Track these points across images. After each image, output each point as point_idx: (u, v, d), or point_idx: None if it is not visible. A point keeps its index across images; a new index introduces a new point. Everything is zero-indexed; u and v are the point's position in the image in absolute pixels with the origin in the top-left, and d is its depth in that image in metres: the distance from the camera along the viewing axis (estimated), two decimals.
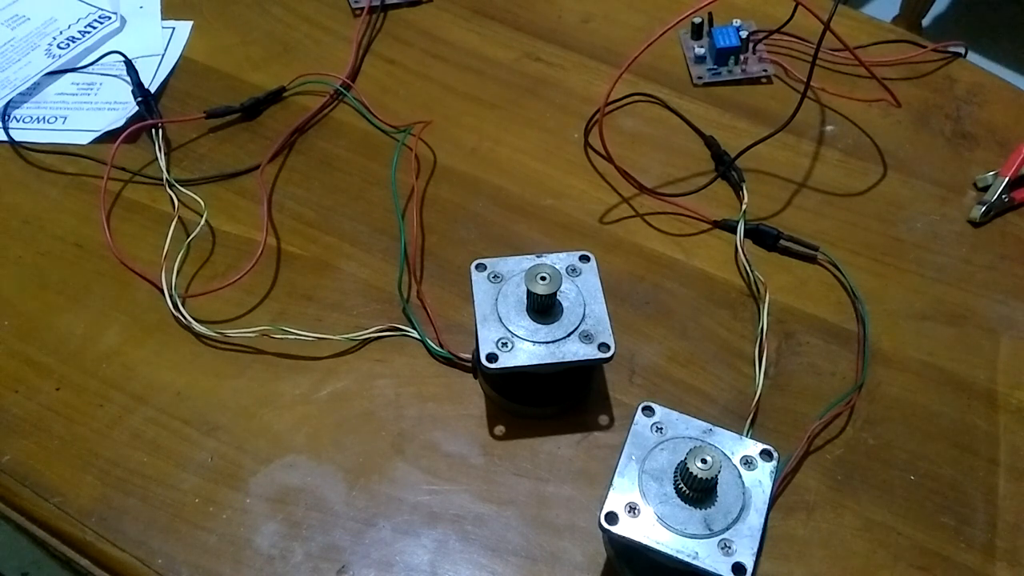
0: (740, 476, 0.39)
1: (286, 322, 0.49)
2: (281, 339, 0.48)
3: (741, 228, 0.53)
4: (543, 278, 0.42)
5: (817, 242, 0.53)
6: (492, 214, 0.55)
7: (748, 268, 0.52)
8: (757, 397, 0.47)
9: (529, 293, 0.43)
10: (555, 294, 0.43)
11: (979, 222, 0.56)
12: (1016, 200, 0.56)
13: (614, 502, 0.38)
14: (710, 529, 0.37)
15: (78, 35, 0.64)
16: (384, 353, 0.49)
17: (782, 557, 0.43)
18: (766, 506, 0.38)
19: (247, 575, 0.42)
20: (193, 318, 0.49)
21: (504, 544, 0.43)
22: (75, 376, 0.48)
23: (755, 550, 0.37)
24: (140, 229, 0.53)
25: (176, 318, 0.49)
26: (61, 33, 0.64)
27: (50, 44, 0.64)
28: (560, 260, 0.46)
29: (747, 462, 0.39)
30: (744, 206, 0.55)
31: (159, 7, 0.67)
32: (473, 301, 0.44)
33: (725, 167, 0.57)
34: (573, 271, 0.46)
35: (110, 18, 0.66)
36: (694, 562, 0.36)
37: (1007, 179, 0.56)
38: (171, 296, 0.50)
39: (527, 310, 0.44)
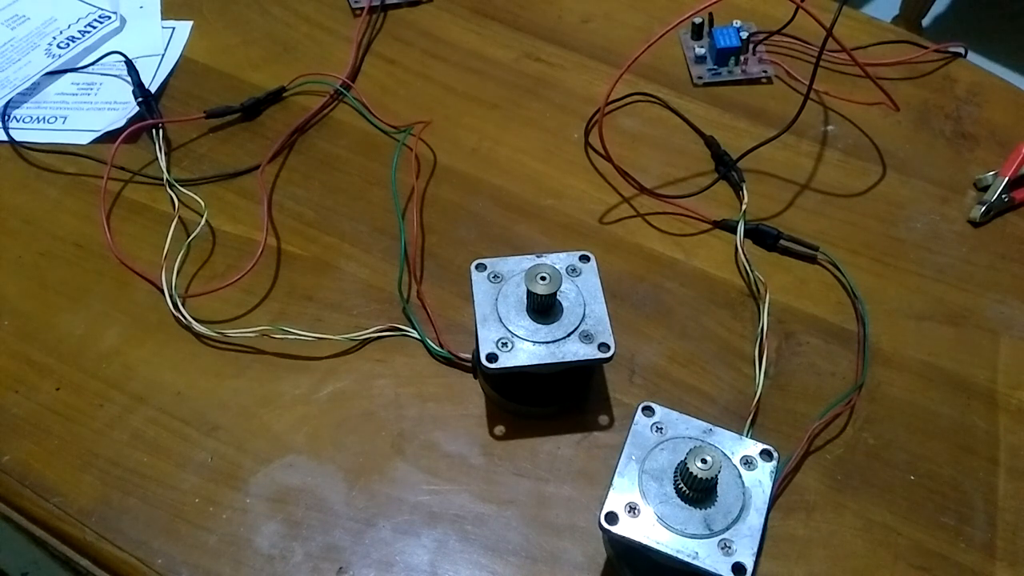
0: (740, 476, 0.39)
1: (286, 322, 0.49)
2: (281, 339, 0.48)
3: (741, 228, 0.53)
4: (543, 278, 0.42)
5: (817, 242, 0.53)
6: (492, 214, 0.55)
7: (748, 268, 0.52)
8: (757, 397, 0.47)
9: (529, 293, 0.43)
10: (555, 294, 0.43)
11: (979, 222, 0.56)
12: (1016, 200, 0.56)
13: (614, 502, 0.38)
14: (710, 529, 0.37)
15: (78, 35, 0.64)
16: (384, 353, 0.49)
17: (782, 557, 0.43)
18: (766, 506, 0.38)
19: (247, 575, 0.42)
20: (193, 318, 0.49)
21: (504, 544, 0.43)
22: (75, 376, 0.48)
23: (755, 550, 0.37)
24: (140, 229, 0.53)
25: (176, 318, 0.49)
26: (61, 33, 0.64)
27: (50, 44, 0.64)
28: (560, 260, 0.46)
29: (747, 462, 0.39)
30: (744, 206, 0.55)
31: (159, 7, 0.67)
32: (473, 301, 0.44)
33: (726, 168, 0.57)
34: (573, 271, 0.46)
35: (110, 18, 0.66)
36: (694, 562, 0.36)
37: (1007, 179, 0.56)
38: (171, 296, 0.50)
39: (527, 310, 0.44)
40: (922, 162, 0.59)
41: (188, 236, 0.53)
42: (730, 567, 0.36)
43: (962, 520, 0.44)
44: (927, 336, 0.51)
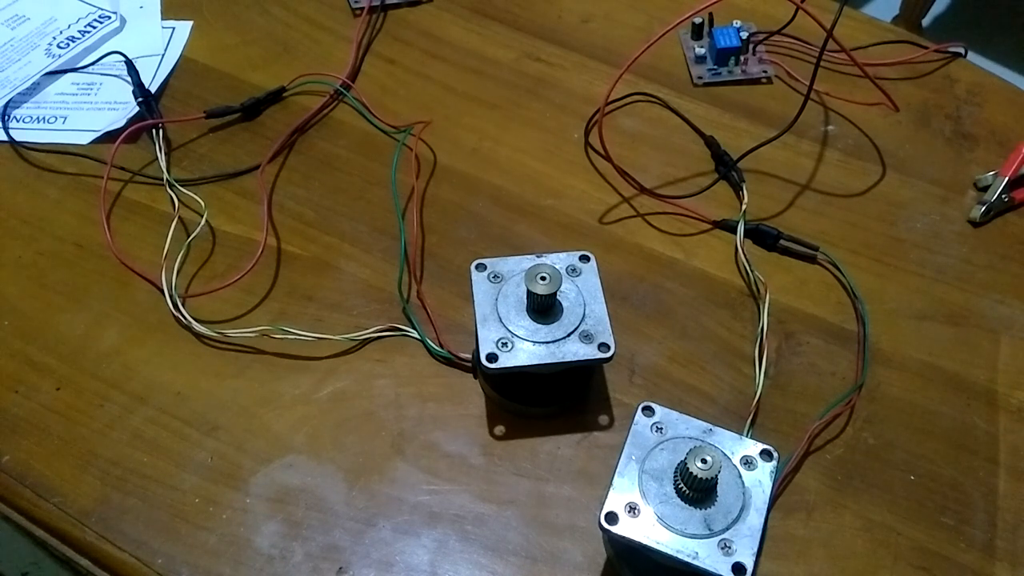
0: (740, 476, 0.39)
1: (286, 322, 0.49)
2: (281, 339, 0.48)
3: (741, 228, 0.53)
4: (543, 278, 0.42)
5: (817, 242, 0.53)
6: (492, 214, 0.55)
7: (748, 268, 0.52)
8: (757, 397, 0.47)
9: (529, 293, 0.43)
10: (555, 294, 0.43)
11: (979, 222, 0.56)
12: (1016, 200, 0.56)
13: (614, 502, 0.38)
14: (710, 529, 0.37)
15: (78, 35, 0.64)
16: (384, 353, 0.49)
17: (782, 557, 0.43)
18: (766, 506, 0.38)
19: (247, 575, 0.42)
20: (193, 318, 0.49)
21: (504, 544, 0.43)
22: (75, 376, 0.48)
23: (755, 550, 0.37)
24: (140, 229, 0.53)
25: (176, 318, 0.49)
26: (61, 33, 0.64)
27: (50, 44, 0.64)
28: (560, 260, 0.46)
29: (747, 462, 0.39)
30: (744, 206, 0.55)
31: (159, 7, 0.67)
32: (473, 301, 0.44)
33: (727, 168, 0.57)
34: (573, 271, 0.46)
35: (110, 18, 0.66)
36: (694, 562, 0.36)
37: (1007, 179, 0.56)
38: (171, 296, 0.50)
39: (527, 310, 0.44)
40: (922, 162, 0.59)
41: (188, 236, 0.53)
42: (730, 567, 0.36)
43: (962, 520, 0.44)
44: (927, 336, 0.51)
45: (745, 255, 0.53)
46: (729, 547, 0.37)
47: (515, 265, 0.46)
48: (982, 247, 0.55)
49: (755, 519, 0.38)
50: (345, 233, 0.54)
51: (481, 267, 0.46)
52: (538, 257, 0.46)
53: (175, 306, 0.49)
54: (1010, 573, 0.42)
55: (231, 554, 0.42)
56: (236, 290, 0.50)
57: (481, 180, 0.57)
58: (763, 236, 0.54)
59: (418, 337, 0.49)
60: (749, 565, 0.36)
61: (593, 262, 0.46)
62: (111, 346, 0.49)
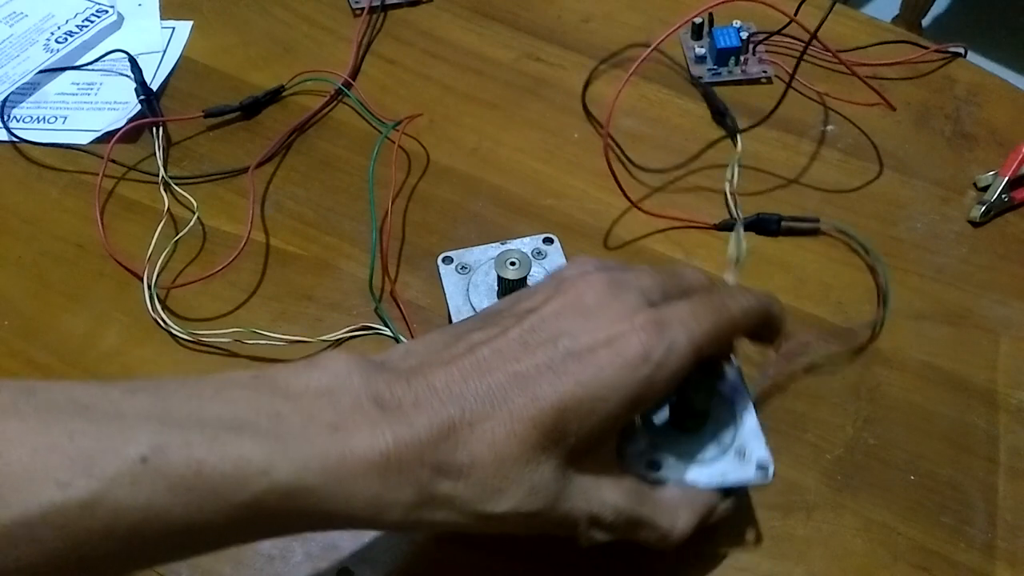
0: (721, 392, 0.40)
1: (287, 322, 0.49)
2: (253, 344, 0.47)
3: (740, 229, 0.53)
4: (513, 263, 0.42)
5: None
6: (492, 214, 0.55)
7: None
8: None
9: (499, 279, 0.43)
10: (525, 278, 0.43)
11: (979, 222, 0.56)
12: (1016, 200, 0.56)
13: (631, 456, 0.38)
14: (721, 444, 0.38)
15: (76, 29, 0.64)
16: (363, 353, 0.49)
17: (782, 557, 0.43)
18: (750, 402, 0.39)
19: (247, 575, 0.42)
20: (180, 316, 0.49)
21: (504, 543, 0.43)
22: (76, 376, 0.47)
23: (764, 442, 0.38)
24: (139, 228, 0.53)
25: (154, 319, 0.49)
26: (59, 28, 0.64)
27: (48, 39, 0.64)
28: (525, 244, 0.46)
29: (537, 253, 0.43)
30: (739, 153, 0.55)
31: (157, 5, 0.67)
32: (444, 294, 0.44)
33: (724, 121, 0.58)
34: (539, 254, 0.46)
35: (107, 12, 0.65)
36: (726, 482, 0.37)
37: (1007, 179, 0.56)
38: (150, 294, 0.49)
39: (498, 297, 0.44)
40: (922, 162, 0.59)
41: (178, 234, 0.52)
42: (754, 468, 0.38)
43: (962, 520, 0.44)
44: (927, 336, 0.51)
45: (743, 255, 0.52)
46: (743, 452, 0.38)
47: (481, 254, 0.46)
48: (982, 247, 0.55)
49: (750, 418, 0.39)
50: (345, 233, 0.54)
51: (448, 260, 0.46)
52: (502, 244, 0.46)
53: (152, 305, 0.49)
54: (1010, 573, 0.43)
55: (231, 554, 0.42)
56: (236, 290, 0.50)
57: (481, 180, 0.57)
58: (765, 224, 0.54)
59: (392, 335, 0.48)
60: (767, 456, 0.38)
61: (557, 244, 0.46)
62: (112, 346, 0.49)
